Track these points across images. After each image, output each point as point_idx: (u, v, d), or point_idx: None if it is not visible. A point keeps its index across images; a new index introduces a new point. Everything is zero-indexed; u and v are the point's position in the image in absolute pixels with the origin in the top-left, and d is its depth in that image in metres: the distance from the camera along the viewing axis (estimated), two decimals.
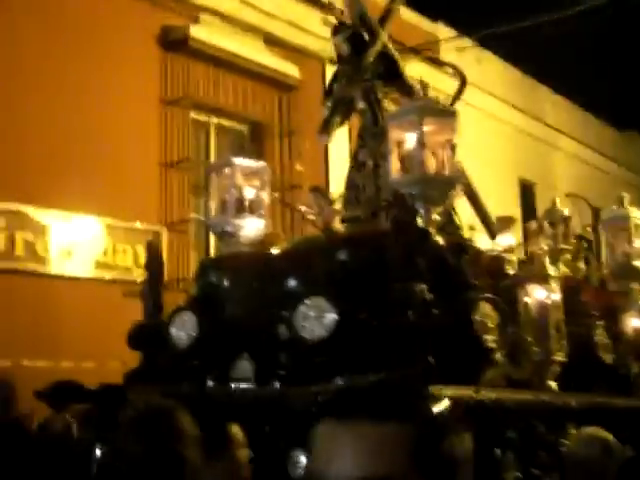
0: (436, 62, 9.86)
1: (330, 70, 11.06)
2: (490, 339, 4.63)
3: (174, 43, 9.70)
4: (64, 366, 7.46)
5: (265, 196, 5.84)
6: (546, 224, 6.05)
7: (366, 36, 5.88)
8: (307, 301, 4.64)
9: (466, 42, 12.74)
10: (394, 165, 5.02)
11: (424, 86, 5.09)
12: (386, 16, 6.02)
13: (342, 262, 4.82)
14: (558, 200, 6.21)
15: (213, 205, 5.94)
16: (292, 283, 5.12)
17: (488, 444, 4.29)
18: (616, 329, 6.25)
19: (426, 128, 4.94)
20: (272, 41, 10.82)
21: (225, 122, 10.23)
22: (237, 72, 10.16)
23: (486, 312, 4.65)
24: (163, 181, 9.32)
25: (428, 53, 10.88)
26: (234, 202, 5.81)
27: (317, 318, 4.56)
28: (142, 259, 8.55)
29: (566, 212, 6.18)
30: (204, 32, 9.93)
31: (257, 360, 4.92)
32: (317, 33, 10.65)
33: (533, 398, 4.77)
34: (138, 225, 8.72)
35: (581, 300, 5.91)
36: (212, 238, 9.46)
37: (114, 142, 8.84)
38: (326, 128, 5.91)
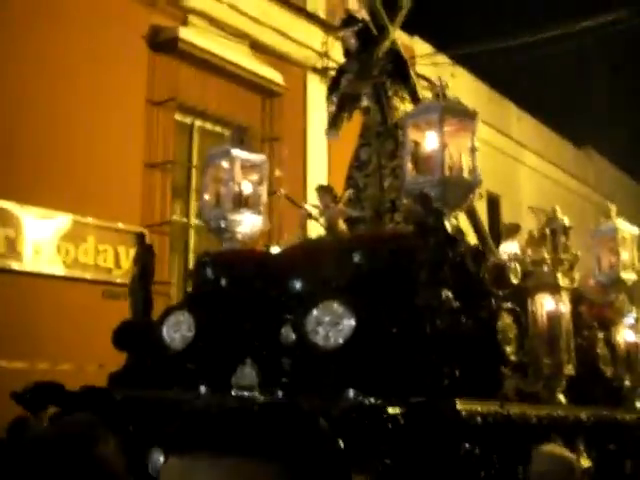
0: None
1: (312, 79, 11.10)
2: (510, 350, 4.47)
3: (162, 44, 9.54)
4: (40, 367, 7.10)
5: (263, 191, 5.58)
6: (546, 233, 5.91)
7: (375, 32, 5.67)
8: (321, 305, 4.39)
9: (441, 58, 12.86)
10: (410, 165, 4.81)
11: (443, 86, 4.88)
12: (396, 13, 5.80)
13: (357, 264, 4.58)
14: (558, 209, 6.08)
15: (208, 198, 5.66)
16: (299, 285, 4.88)
17: (511, 459, 4.12)
18: (611, 341, 6.16)
19: (446, 129, 4.75)
20: (258, 47, 10.77)
21: (208, 125, 10.08)
22: (222, 76, 10.04)
23: (507, 322, 4.48)
24: (146, 182, 9.10)
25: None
26: (231, 196, 5.54)
27: (333, 324, 4.32)
28: (123, 260, 8.39)
29: (566, 222, 6.05)
30: (192, 34, 9.80)
31: (262, 366, 4.65)
32: (301, 42, 10.81)
33: (552, 412, 4.60)
34: (120, 226, 8.45)
35: (582, 312, 5.79)
36: (192, 240, 9.29)
37: (99, 141, 8.69)
38: (334, 124, 5.67)
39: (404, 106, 5.66)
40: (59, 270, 8.17)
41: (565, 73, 17.88)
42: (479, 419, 3.91)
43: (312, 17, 10.39)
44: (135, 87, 9.21)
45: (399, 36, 13.25)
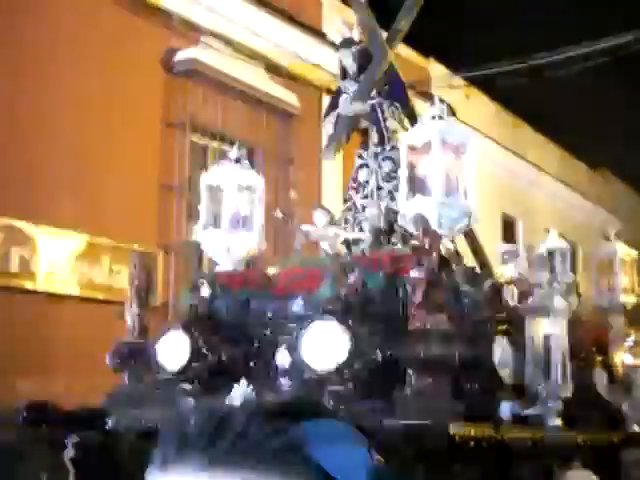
0: (427, 96, 9.82)
1: (327, 100, 11.08)
2: (506, 374, 4.45)
3: (177, 66, 9.58)
4: (54, 387, 7.09)
5: (260, 212, 5.58)
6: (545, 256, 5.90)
7: (373, 53, 5.68)
8: (315, 326, 4.38)
9: (456, 80, 12.92)
10: (407, 187, 4.81)
11: (440, 108, 4.89)
12: (393, 36, 5.83)
13: (353, 286, 4.57)
14: (556, 232, 6.09)
15: (205, 219, 5.66)
16: (295, 306, 4.87)
17: None
18: (609, 365, 6.14)
19: (443, 151, 4.76)
20: (273, 68, 10.84)
21: (224, 146, 10.13)
22: (237, 97, 10.11)
23: (503, 346, 4.47)
24: (162, 203, 9.13)
25: (419, 87, 10.97)
26: (228, 217, 5.54)
27: (328, 345, 4.30)
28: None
29: (564, 244, 6.06)
30: (207, 56, 9.85)
31: (257, 388, 4.62)
32: (316, 63, 10.88)
33: (547, 435, 4.58)
34: (135, 246, 8.48)
35: (580, 335, 5.76)
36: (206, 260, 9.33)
37: (115, 162, 8.72)
38: (331, 145, 5.68)
39: (402, 128, 5.66)
40: (73, 290, 8.20)
41: (581, 95, 17.99)
42: (473, 443, 3.90)
43: (327, 39, 10.41)
44: (151, 109, 9.29)
45: (414, 58, 13.55)
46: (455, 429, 3.80)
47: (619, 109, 19.45)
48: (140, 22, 9.23)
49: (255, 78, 10.42)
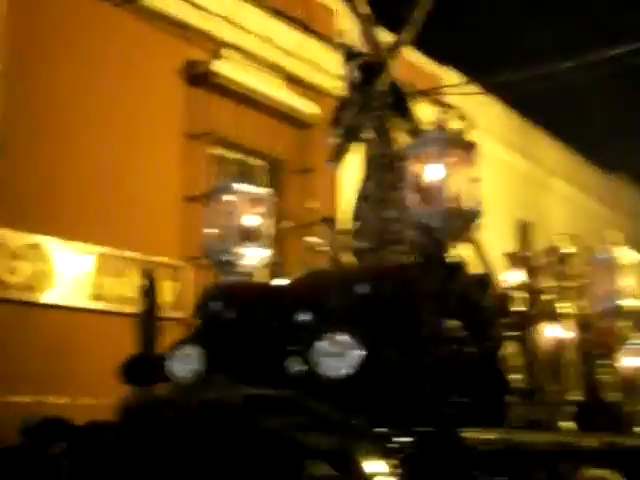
0: (441, 104, 9.90)
1: None
2: (516, 379, 4.51)
3: (197, 78, 9.77)
4: (81, 402, 7.17)
5: (270, 225, 5.64)
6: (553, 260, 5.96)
7: (377, 65, 5.76)
8: (326, 336, 4.44)
9: (471, 87, 13.02)
10: (412, 197, 4.86)
11: (443, 118, 4.95)
12: (395, 47, 5.90)
13: (363, 296, 4.63)
14: (565, 236, 6.15)
15: (212, 233, 5.72)
16: (304, 316, 4.92)
17: None
18: (614, 368, 6.20)
19: (447, 160, 4.81)
20: (291, 79, 11.01)
21: (244, 158, 10.21)
22: (256, 108, 10.29)
23: (512, 351, 4.53)
24: (185, 215, 9.19)
25: (434, 95, 11.06)
26: (235, 229, 5.60)
27: (339, 354, 4.35)
28: (165, 294, 8.44)
29: (570, 249, 6.11)
30: (227, 67, 10.02)
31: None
32: (334, 72, 10.58)
33: (560, 440, 4.64)
34: (159, 259, 8.54)
35: (586, 339, 5.82)
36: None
37: (137, 175, 8.86)
38: (336, 157, 5.75)
39: (404, 138, 5.73)
40: (97, 304, 8.28)
41: (596, 98, 18.09)
42: (486, 447, 3.96)
43: (341, 48, 10.53)
44: (171, 121, 9.46)
45: (427, 65, 13.65)
46: (468, 434, 3.86)
47: (635, 112, 19.54)
48: (160, 35, 9.43)
49: (274, 89, 10.60)
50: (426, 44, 10.89)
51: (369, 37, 5.84)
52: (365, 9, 5.91)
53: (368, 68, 5.74)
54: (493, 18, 17.29)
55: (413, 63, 11.82)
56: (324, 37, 11.34)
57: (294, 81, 11.04)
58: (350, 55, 5.82)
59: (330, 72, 11.00)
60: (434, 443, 3.78)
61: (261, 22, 10.57)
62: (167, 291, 8.56)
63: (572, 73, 10.55)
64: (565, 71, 10.35)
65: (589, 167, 20.00)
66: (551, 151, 18.01)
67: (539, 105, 16.35)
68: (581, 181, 18.83)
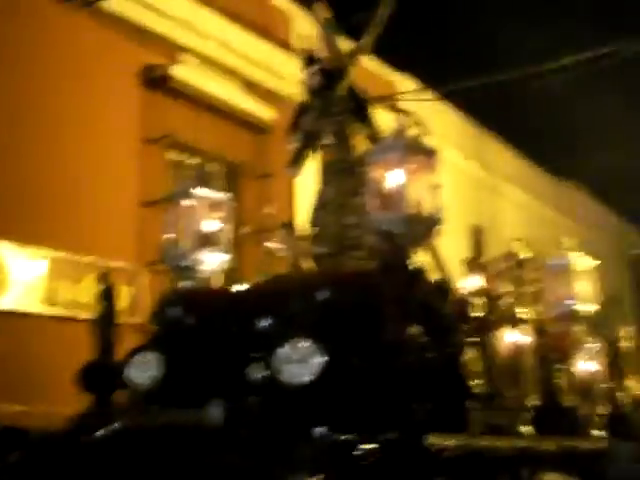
0: (397, 110, 9.93)
1: None
2: (476, 384, 4.53)
3: (155, 82, 9.72)
4: (38, 410, 7.04)
5: (229, 229, 5.61)
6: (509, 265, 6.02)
7: (337, 70, 5.76)
8: (288, 343, 4.42)
9: (426, 94, 13.12)
10: (373, 203, 4.86)
11: (404, 124, 4.96)
12: (355, 53, 5.91)
13: (324, 302, 4.62)
14: (522, 242, 6.21)
15: (170, 237, 5.67)
16: (266, 322, 4.89)
17: None
18: (570, 372, 6.27)
19: (408, 166, 4.82)
20: (249, 83, 11.01)
21: (201, 162, 10.15)
22: (214, 113, 10.27)
23: (472, 357, 4.55)
24: (141, 220, 9.12)
25: (390, 101, 11.12)
26: (193, 234, 5.56)
27: (301, 361, 4.34)
28: (121, 299, 8.29)
29: (527, 254, 6.17)
30: (184, 72, 9.98)
31: (229, 406, 4.65)
32: (291, 77, 10.66)
33: (520, 444, 4.67)
34: (115, 264, 8.44)
35: (543, 344, 5.87)
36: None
37: (93, 179, 8.78)
38: (296, 162, 5.74)
39: (365, 144, 5.74)
40: (51, 309, 8.17)
41: (548, 106, 18.34)
42: (449, 453, 3.97)
43: (298, 54, 10.55)
44: (129, 125, 9.37)
45: (383, 71, 13.72)
46: (431, 440, 3.87)
47: (588, 121, 19.87)
48: (118, 38, 9.36)
49: (231, 94, 10.59)
50: (382, 50, 10.99)
51: (329, 42, 5.84)
52: (325, 14, 5.91)
53: (328, 73, 5.74)
54: (449, 25, 17.45)
55: (369, 69, 11.88)
56: (282, 42, 11.38)
57: (252, 86, 11.05)
58: (310, 60, 5.81)
59: (288, 77, 10.97)
60: (398, 449, 3.78)
61: (219, 27, 10.55)
62: (123, 296, 8.45)
63: (526, 81, 10.67)
64: (519, 79, 10.46)
65: (542, 174, 20.28)
66: (505, 158, 18.21)
67: (494, 112, 16.54)
68: (534, 188, 19.07)
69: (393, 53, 12.71)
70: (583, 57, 9.78)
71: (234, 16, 10.79)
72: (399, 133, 4.88)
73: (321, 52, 5.89)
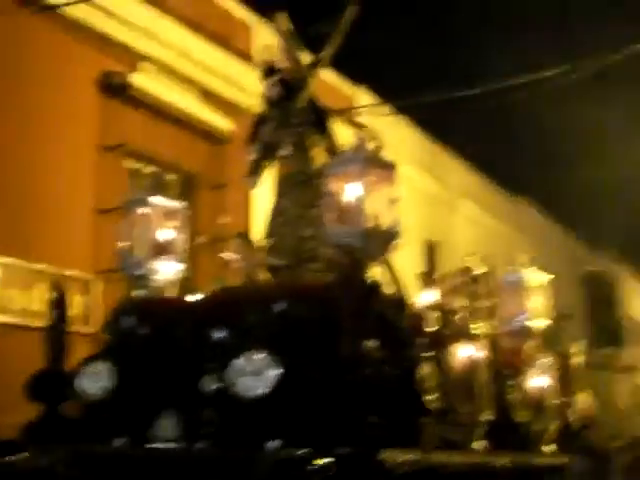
0: (353, 124, 9.96)
1: None
2: (431, 399, 4.52)
3: (113, 89, 9.60)
4: None
5: (184, 238, 5.55)
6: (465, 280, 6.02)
7: (297, 82, 5.74)
8: (243, 355, 4.37)
9: (382, 108, 13.18)
10: (331, 216, 4.84)
11: (364, 137, 4.95)
12: (315, 65, 5.89)
13: (280, 314, 4.59)
14: (476, 257, 6.23)
15: (125, 246, 5.59)
16: (220, 334, 4.84)
17: None
18: (523, 388, 6.30)
19: (367, 179, 4.81)
20: (207, 94, 10.93)
21: (158, 171, 10.06)
22: (172, 122, 10.20)
23: (427, 371, 4.54)
24: (97, 229, 8.99)
25: (347, 114, 11.16)
26: (149, 243, 5.50)
27: (256, 373, 4.30)
28: (75, 308, 8.20)
29: (483, 269, 6.19)
30: (143, 80, 9.89)
31: (183, 418, 4.60)
32: (250, 89, 10.73)
33: (472, 460, 4.67)
34: (70, 273, 8.30)
35: (497, 359, 5.90)
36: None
37: (49, 186, 8.66)
38: (254, 173, 5.70)
39: (323, 157, 5.72)
40: (1, 317, 8.03)
41: (501, 123, 18.56)
42: (404, 469, 3.95)
43: (258, 65, 10.55)
44: (86, 132, 9.24)
45: (341, 85, 13.74)
46: (386, 455, 3.85)
47: (538, 138, 20.15)
48: (78, 45, 9.24)
49: (189, 103, 10.52)
50: (339, 64, 11.07)
51: (289, 53, 5.82)
52: (286, 25, 5.89)
53: (287, 84, 5.72)
54: (406, 41, 17.59)
55: (327, 82, 11.90)
56: (242, 53, 11.37)
57: (210, 96, 10.99)
58: (269, 71, 5.78)
59: (247, 88, 11.00)
60: (352, 464, 3.76)
61: (179, 36, 10.48)
62: (76, 305, 8.36)
63: (481, 98, 10.76)
64: (473, 96, 10.54)
65: (496, 190, 20.45)
66: (459, 173, 18.34)
67: (448, 127, 16.68)
68: (488, 203, 19.22)
69: (351, 66, 12.78)
70: (540, 75, 9.88)
71: (195, 25, 10.74)
72: (359, 146, 4.87)
73: (281, 63, 5.86)
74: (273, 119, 5.73)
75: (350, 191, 4.83)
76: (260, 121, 5.88)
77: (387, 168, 4.98)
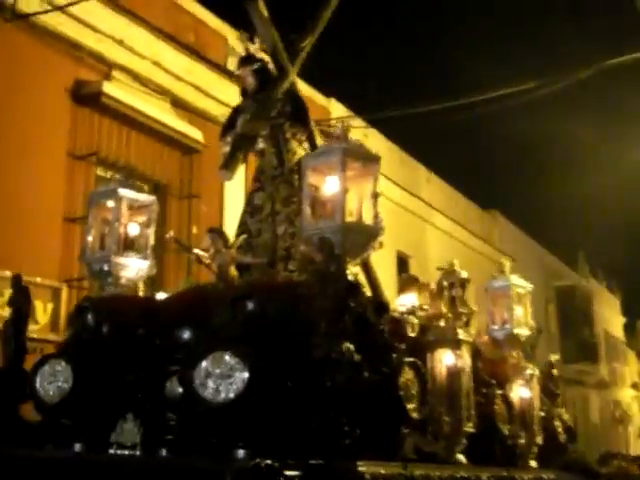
0: (327, 135, 9.80)
1: None
2: (412, 407, 4.23)
3: (85, 98, 9.45)
4: None
5: (151, 233, 5.22)
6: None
7: (275, 72, 5.45)
8: (210, 356, 4.05)
9: (356, 120, 13.06)
10: (309, 210, 4.54)
11: (345, 129, 4.65)
12: (296, 55, 5.59)
13: (250, 313, 4.27)
14: (456, 262, 5.95)
15: (91, 240, 5.26)
16: (187, 334, 4.54)
17: None
18: (507, 398, 6.02)
19: (347, 173, 4.52)
20: (179, 104, 10.82)
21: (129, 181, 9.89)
22: (143, 131, 10.03)
23: (408, 378, 4.25)
24: (66, 237, 8.78)
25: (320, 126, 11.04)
26: (116, 238, 5.16)
27: (223, 377, 3.97)
28: (40, 315, 8.16)
29: (464, 275, 5.91)
30: (115, 89, 9.72)
31: (144, 422, 4.27)
32: (221, 99, 10.75)
33: (455, 473, 4.37)
34: (38, 280, 8.06)
35: (480, 368, 5.61)
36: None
37: (18, 193, 8.43)
38: (228, 165, 5.38)
39: (302, 150, 5.43)
40: None
41: (473, 138, 18.61)
42: None
43: (232, 76, 10.35)
44: (57, 140, 9.10)
45: (316, 97, 13.56)
46: (361, 467, 3.55)
47: (509, 153, 20.26)
48: (51, 53, 9.11)
49: (161, 113, 10.38)
50: (313, 76, 10.95)
51: (267, 41, 5.51)
52: (265, 11, 5.58)
53: (264, 75, 5.43)
54: (379, 55, 17.54)
55: (303, 92, 11.75)
56: (215, 64, 11.24)
57: (182, 106, 10.88)
58: (246, 59, 5.47)
59: (219, 98, 10.89)
60: (326, 476, 3.45)
61: (152, 46, 10.34)
62: (44, 313, 8.25)
63: (454, 111, 10.64)
64: (446, 109, 10.41)
65: (466, 202, 20.41)
66: (431, 186, 18.31)
67: (421, 141, 16.63)
68: (460, 216, 19.20)
69: (323, 79, 12.69)
70: (506, 91, 9.76)
71: (168, 36, 10.61)
72: (339, 137, 4.58)
73: (257, 52, 5.56)
74: (248, 111, 5.42)
75: (330, 184, 4.54)
76: (235, 112, 5.58)
77: (370, 160, 4.70)
